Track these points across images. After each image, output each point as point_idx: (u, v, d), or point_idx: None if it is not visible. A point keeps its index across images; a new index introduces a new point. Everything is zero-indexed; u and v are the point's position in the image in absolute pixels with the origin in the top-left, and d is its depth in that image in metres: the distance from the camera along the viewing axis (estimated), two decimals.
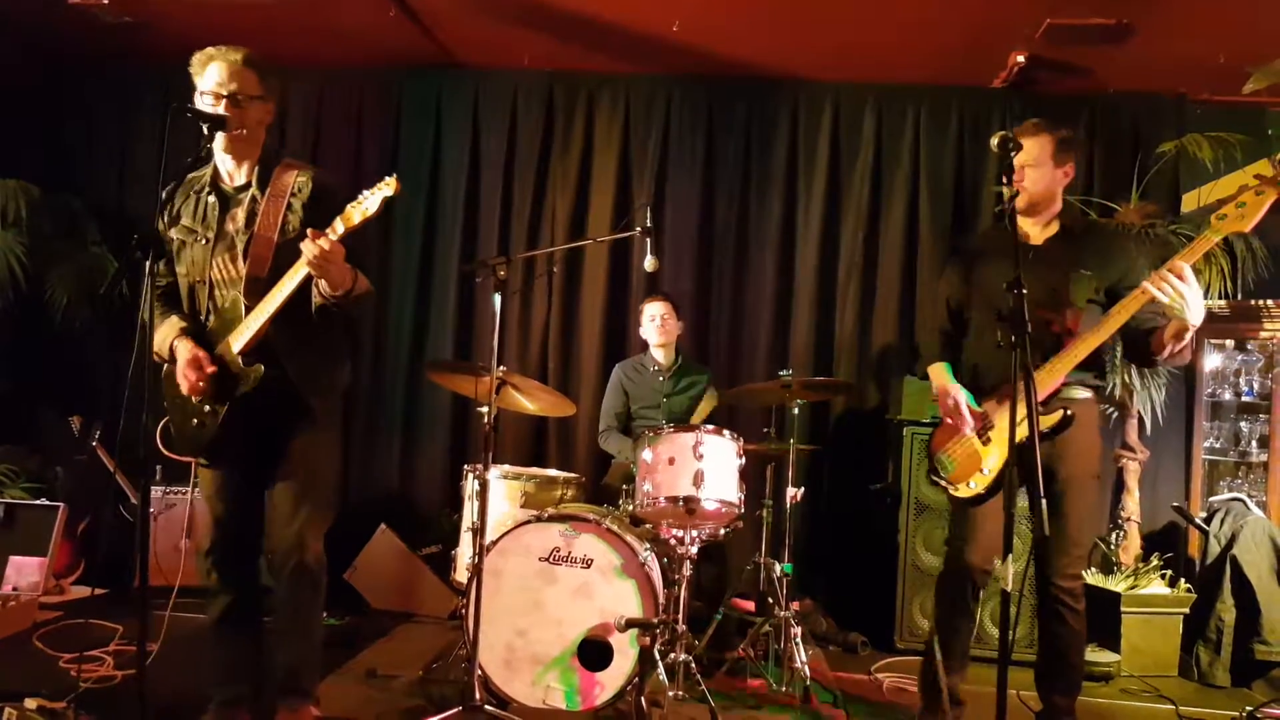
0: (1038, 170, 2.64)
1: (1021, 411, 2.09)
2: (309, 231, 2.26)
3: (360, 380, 4.78)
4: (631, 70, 4.74)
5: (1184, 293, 2.34)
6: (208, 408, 2.45)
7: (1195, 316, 2.36)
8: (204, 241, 2.49)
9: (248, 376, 2.41)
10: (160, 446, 2.37)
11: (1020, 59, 4.17)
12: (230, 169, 2.52)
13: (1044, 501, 1.99)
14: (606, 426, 4.24)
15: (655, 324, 4.13)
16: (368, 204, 2.28)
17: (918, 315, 2.74)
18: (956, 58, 4.33)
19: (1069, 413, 2.53)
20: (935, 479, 2.79)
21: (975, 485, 2.65)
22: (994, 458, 2.63)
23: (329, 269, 2.28)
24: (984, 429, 2.67)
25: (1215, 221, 2.35)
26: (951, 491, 2.72)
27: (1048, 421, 2.52)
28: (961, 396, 2.69)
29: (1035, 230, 2.72)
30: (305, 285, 2.36)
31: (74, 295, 4.61)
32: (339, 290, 2.35)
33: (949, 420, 2.73)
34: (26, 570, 3.87)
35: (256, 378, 2.40)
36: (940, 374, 2.81)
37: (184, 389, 2.43)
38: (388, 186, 2.28)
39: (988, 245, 2.88)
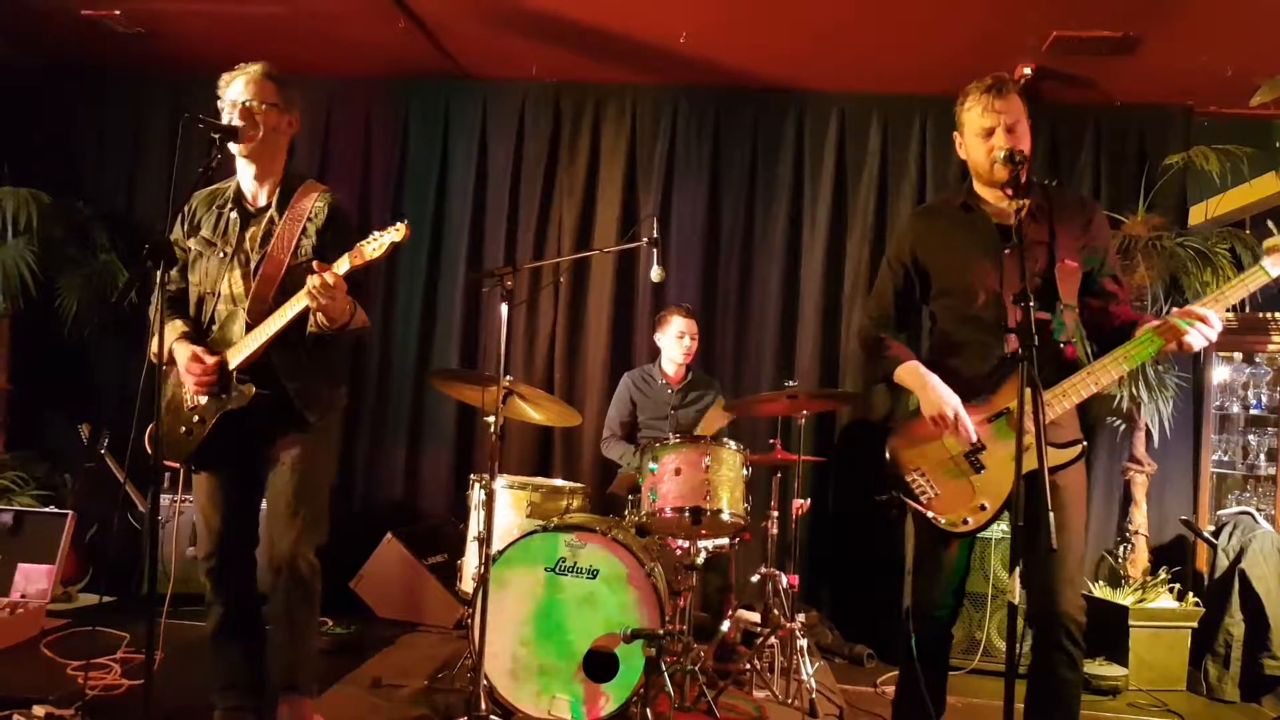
0: (1024, 125, 2.31)
1: (1028, 434, 1.87)
2: (315, 264, 2.30)
3: (366, 389, 4.78)
4: (638, 80, 4.76)
5: (1208, 339, 2.15)
6: (197, 418, 2.48)
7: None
8: (221, 255, 2.52)
9: (239, 395, 2.43)
10: (147, 448, 2.39)
11: (1027, 70, 4.16)
12: (253, 189, 2.55)
13: (1051, 515, 1.84)
14: (610, 434, 4.23)
15: (683, 343, 4.09)
16: (377, 244, 2.31)
17: (868, 310, 2.42)
18: (963, 69, 4.27)
19: (1084, 444, 2.28)
20: (912, 502, 2.32)
21: (971, 521, 2.27)
22: (990, 493, 2.26)
23: (329, 303, 2.31)
24: (975, 451, 2.29)
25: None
26: (936, 521, 2.29)
27: (1064, 456, 2.23)
28: (962, 410, 2.26)
29: (1006, 204, 2.19)
30: (305, 311, 2.37)
31: (83, 303, 4.63)
32: (336, 324, 2.38)
33: (939, 431, 2.29)
34: (34, 577, 3.88)
35: (247, 397, 2.42)
36: (922, 375, 2.33)
37: (189, 386, 2.45)
38: (397, 232, 2.32)
39: (948, 223, 2.44)
